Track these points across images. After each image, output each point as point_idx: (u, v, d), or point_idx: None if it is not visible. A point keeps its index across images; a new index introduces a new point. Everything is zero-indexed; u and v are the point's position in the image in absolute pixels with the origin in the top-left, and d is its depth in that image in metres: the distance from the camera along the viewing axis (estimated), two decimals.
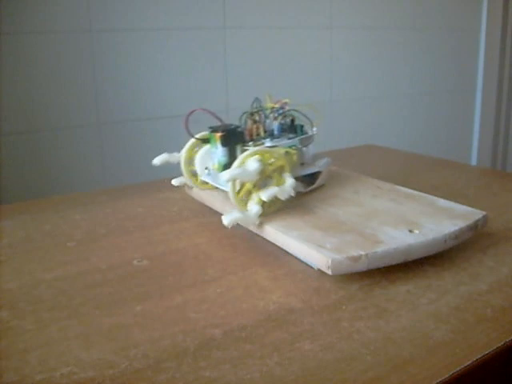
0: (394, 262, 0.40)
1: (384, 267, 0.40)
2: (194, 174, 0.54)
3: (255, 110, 0.52)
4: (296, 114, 0.52)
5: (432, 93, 1.39)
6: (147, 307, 0.37)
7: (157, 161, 0.53)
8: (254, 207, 0.45)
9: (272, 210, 0.47)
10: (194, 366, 0.30)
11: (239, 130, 0.50)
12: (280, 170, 0.46)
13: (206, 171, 0.52)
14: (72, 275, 0.42)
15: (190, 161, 0.53)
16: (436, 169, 0.75)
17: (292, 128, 0.52)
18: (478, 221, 0.45)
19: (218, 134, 0.48)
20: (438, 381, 0.28)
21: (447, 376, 0.29)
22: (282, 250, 0.45)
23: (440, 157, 0.87)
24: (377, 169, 0.74)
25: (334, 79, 1.18)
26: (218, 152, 0.49)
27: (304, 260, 0.43)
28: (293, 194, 0.45)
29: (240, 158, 0.45)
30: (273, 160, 0.45)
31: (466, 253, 0.45)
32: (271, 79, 1.07)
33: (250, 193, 0.45)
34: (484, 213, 0.47)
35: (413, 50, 1.31)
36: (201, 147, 0.53)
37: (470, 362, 0.30)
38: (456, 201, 0.51)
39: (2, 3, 0.76)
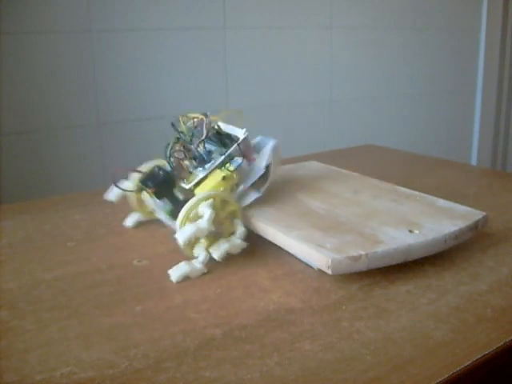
0: (394, 262, 0.40)
1: (384, 267, 0.40)
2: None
3: (175, 140, 0.47)
4: (216, 130, 0.48)
5: (432, 93, 1.39)
6: (147, 307, 0.37)
7: (112, 197, 0.50)
8: (200, 254, 0.42)
9: (239, 218, 0.45)
10: (193, 365, 0.30)
11: (168, 173, 0.46)
12: (231, 215, 0.44)
13: (160, 213, 0.49)
14: (72, 275, 0.42)
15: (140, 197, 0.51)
16: (436, 169, 0.75)
17: (221, 141, 0.48)
18: (478, 221, 0.45)
19: (150, 191, 0.45)
20: (437, 381, 0.28)
21: (447, 376, 0.29)
22: (282, 249, 0.45)
23: (440, 157, 0.87)
24: (377, 169, 0.74)
25: (334, 79, 1.18)
26: (158, 203, 0.47)
27: (304, 260, 0.43)
28: (245, 247, 0.43)
29: (178, 223, 0.42)
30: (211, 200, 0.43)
31: (466, 253, 0.45)
32: (271, 79, 1.07)
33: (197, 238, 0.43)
34: (484, 213, 0.47)
35: (413, 50, 1.31)
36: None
37: (469, 362, 0.30)
38: (456, 201, 0.51)
39: (2, 3, 0.76)
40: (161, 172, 0.46)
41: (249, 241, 0.48)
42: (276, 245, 0.45)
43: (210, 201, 0.42)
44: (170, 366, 0.30)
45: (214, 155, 0.47)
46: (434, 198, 0.51)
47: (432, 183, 0.67)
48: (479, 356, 0.30)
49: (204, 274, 0.42)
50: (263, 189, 0.49)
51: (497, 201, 0.59)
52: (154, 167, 0.47)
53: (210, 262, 0.44)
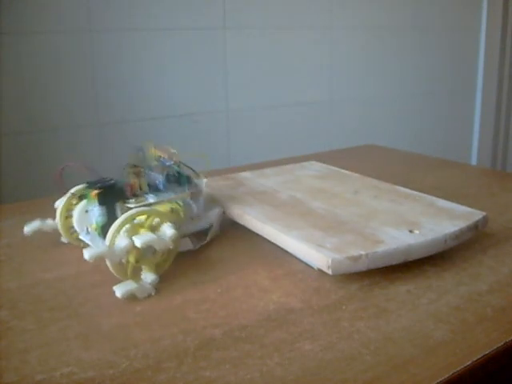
0: (394, 262, 0.40)
1: (384, 267, 0.40)
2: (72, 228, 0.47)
3: (138, 161, 0.46)
4: (177, 169, 0.46)
5: (432, 93, 1.39)
6: (147, 307, 0.37)
7: (28, 230, 0.47)
8: (147, 276, 0.40)
9: (167, 266, 0.42)
10: (193, 366, 0.30)
11: (119, 185, 0.43)
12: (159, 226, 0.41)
13: (85, 231, 0.45)
14: (72, 275, 0.42)
15: (68, 214, 0.47)
16: (436, 169, 0.75)
17: (179, 180, 0.46)
18: (478, 221, 0.45)
19: (94, 192, 0.42)
20: (437, 381, 0.28)
21: (447, 376, 0.29)
22: (282, 249, 0.45)
23: (440, 157, 0.87)
24: (377, 169, 0.74)
25: (334, 79, 1.18)
26: (94, 211, 0.43)
27: (304, 260, 0.43)
28: (171, 247, 0.40)
29: (112, 228, 0.39)
30: (157, 220, 0.40)
31: (466, 253, 0.45)
32: (271, 79, 1.07)
33: (137, 262, 0.40)
34: (484, 213, 0.47)
35: (413, 49, 1.31)
36: (79, 202, 0.46)
37: (469, 362, 0.30)
38: (456, 201, 0.51)
39: (2, 3, 0.76)
40: (112, 180, 0.44)
41: (249, 241, 0.48)
42: (276, 245, 0.45)
43: (171, 224, 0.40)
44: (169, 365, 0.30)
45: (167, 190, 0.46)
46: (434, 198, 0.51)
47: (432, 183, 0.67)
48: (479, 356, 0.30)
49: (205, 277, 0.42)
50: (198, 246, 0.47)
51: (497, 201, 0.59)
52: (106, 177, 0.44)
53: (209, 263, 0.44)
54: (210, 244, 0.48)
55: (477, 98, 1.51)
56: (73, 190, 0.47)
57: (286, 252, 0.45)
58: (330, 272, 0.39)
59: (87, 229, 0.45)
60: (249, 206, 0.51)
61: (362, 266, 0.39)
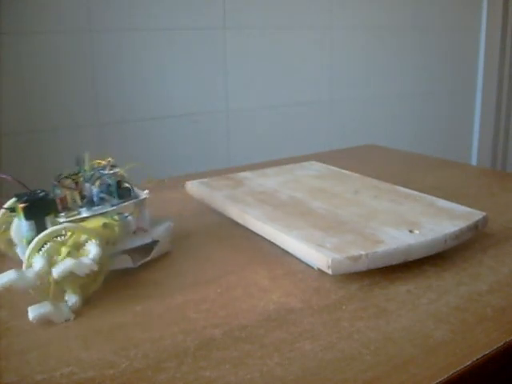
0: (394, 262, 0.40)
1: (384, 267, 0.40)
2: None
3: (73, 172, 0.42)
4: (113, 181, 0.43)
5: (432, 93, 1.39)
6: (147, 307, 0.37)
7: None
8: (70, 298, 0.37)
9: (96, 286, 0.39)
10: (193, 366, 0.30)
11: (49, 198, 0.40)
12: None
13: (21, 244, 0.42)
14: None
15: (7, 227, 0.44)
16: (436, 169, 0.75)
17: (116, 192, 0.43)
18: (478, 221, 0.45)
19: (20, 206, 0.39)
20: (437, 381, 0.28)
21: (447, 376, 0.29)
22: (282, 249, 0.45)
23: (440, 157, 0.87)
24: (377, 169, 0.74)
25: (334, 79, 1.18)
26: (22, 225, 0.40)
27: (304, 260, 0.43)
28: (95, 268, 0.36)
29: (30, 247, 0.36)
30: (85, 238, 0.37)
31: (467, 253, 0.45)
32: (271, 79, 1.07)
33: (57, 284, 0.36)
34: (484, 213, 0.47)
35: (413, 49, 1.31)
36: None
37: (469, 362, 0.30)
38: (456, 201, 0.51)
39: (2, 3, 0.76)
40: (42, 193, 0.41)
41: (249, 241, 0.48)
42: (276, 245, 0.45)
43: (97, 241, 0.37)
44: (169, 365, 0.30)
45: (105, 203, 0.42)
46: (434, 198, 0.51)
47: (432, 183, 0.67)
48: (479, 356, 0.30)
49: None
50: (139, 263, 0.43)
51: (497, 201, 0.59)
52: (37, 189, 0.42)
53: (209, 262, 0.44)
54: (209, 244, 0.48)
55: (477, 98, 1.51)
56: (6, 205, 0.44)
57: (286, 252, 0.45)
58: (330, 272, 0.39)
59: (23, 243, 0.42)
60: (249, 206, 0.51)
61: (362, 266, 0.39)
